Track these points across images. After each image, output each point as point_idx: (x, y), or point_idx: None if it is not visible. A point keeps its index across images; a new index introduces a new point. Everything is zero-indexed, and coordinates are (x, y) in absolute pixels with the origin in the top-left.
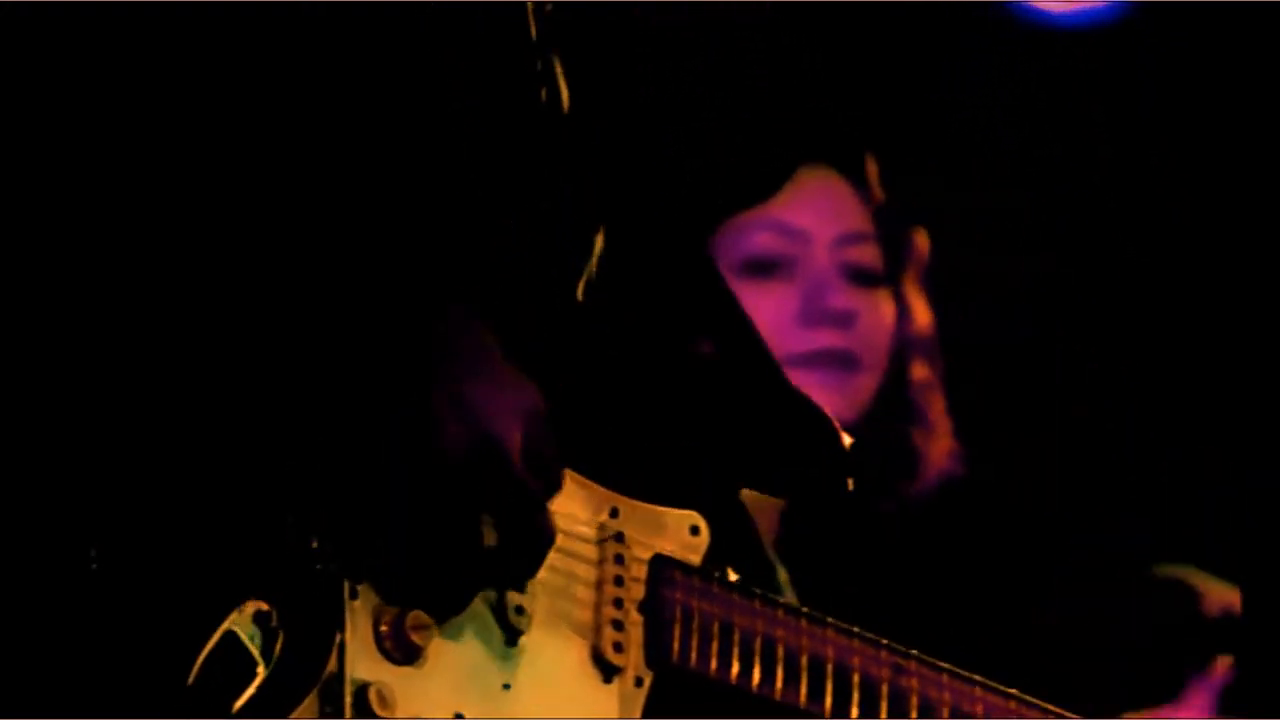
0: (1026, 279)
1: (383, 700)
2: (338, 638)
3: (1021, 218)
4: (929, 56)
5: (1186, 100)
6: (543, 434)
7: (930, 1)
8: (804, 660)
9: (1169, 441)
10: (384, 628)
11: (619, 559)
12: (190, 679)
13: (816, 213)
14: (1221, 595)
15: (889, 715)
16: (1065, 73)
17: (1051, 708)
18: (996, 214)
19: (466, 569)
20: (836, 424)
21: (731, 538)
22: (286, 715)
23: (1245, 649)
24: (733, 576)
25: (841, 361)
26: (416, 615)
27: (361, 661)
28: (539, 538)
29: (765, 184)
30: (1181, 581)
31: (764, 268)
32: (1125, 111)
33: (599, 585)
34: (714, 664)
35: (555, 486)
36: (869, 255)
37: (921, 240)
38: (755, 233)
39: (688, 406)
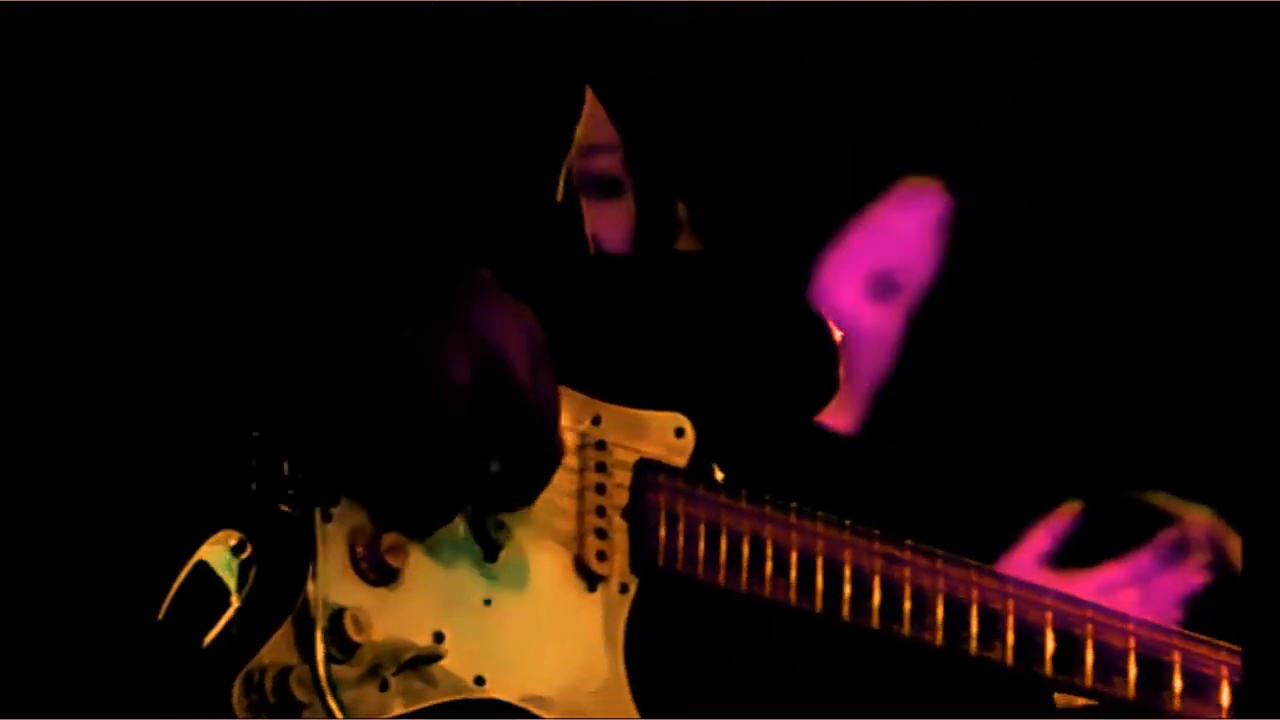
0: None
1: (358, 625)
2: (310, 566)
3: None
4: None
5: (1178, 95)
6: (544, 356)
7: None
8: (793, 556)
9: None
10: (359, 549)
11: (601, 466)
12: (161, 613)
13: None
14: (1199, 518)
15: (881, 606)
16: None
17: (1049, 589)
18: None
19: (472, 494)
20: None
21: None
22: (261, 645)
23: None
24: (719, 475)
25: None
26: (393, 536)
27: (336, 585)
28: (546, 461)
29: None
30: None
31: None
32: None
33: (581, 494)
34: (701, 567)
35: (558, 408)
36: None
37: None
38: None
39: (670, 305)
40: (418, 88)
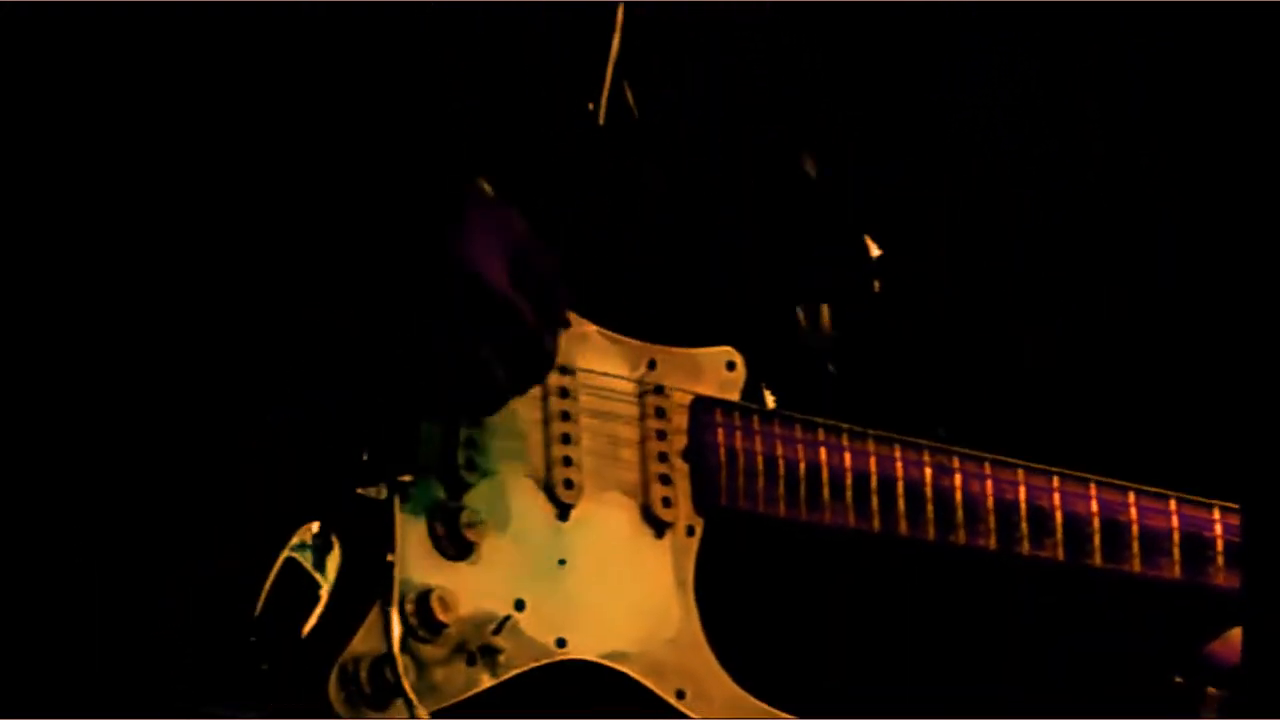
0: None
1: (444, 605)
2: (389, 556)
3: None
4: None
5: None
6: (534, 258)
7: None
8: (848, 479)
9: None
10: (439, 528)
11: (660, 412)
12: (257, 610)
13: None
14: None
15: (935, 517)
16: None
17: (1094, 478)
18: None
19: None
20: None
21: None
22: (353, 634)
23: None
24: (770, 400)
25: None
26: (469, 513)
27: (420, 566)
28: (537, 361)
29: None
30: None
31: None
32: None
33: (643, 442)
34: (762, 502)
35: (557, 305)
36: None
37: None
38: None
39: (712, 236)
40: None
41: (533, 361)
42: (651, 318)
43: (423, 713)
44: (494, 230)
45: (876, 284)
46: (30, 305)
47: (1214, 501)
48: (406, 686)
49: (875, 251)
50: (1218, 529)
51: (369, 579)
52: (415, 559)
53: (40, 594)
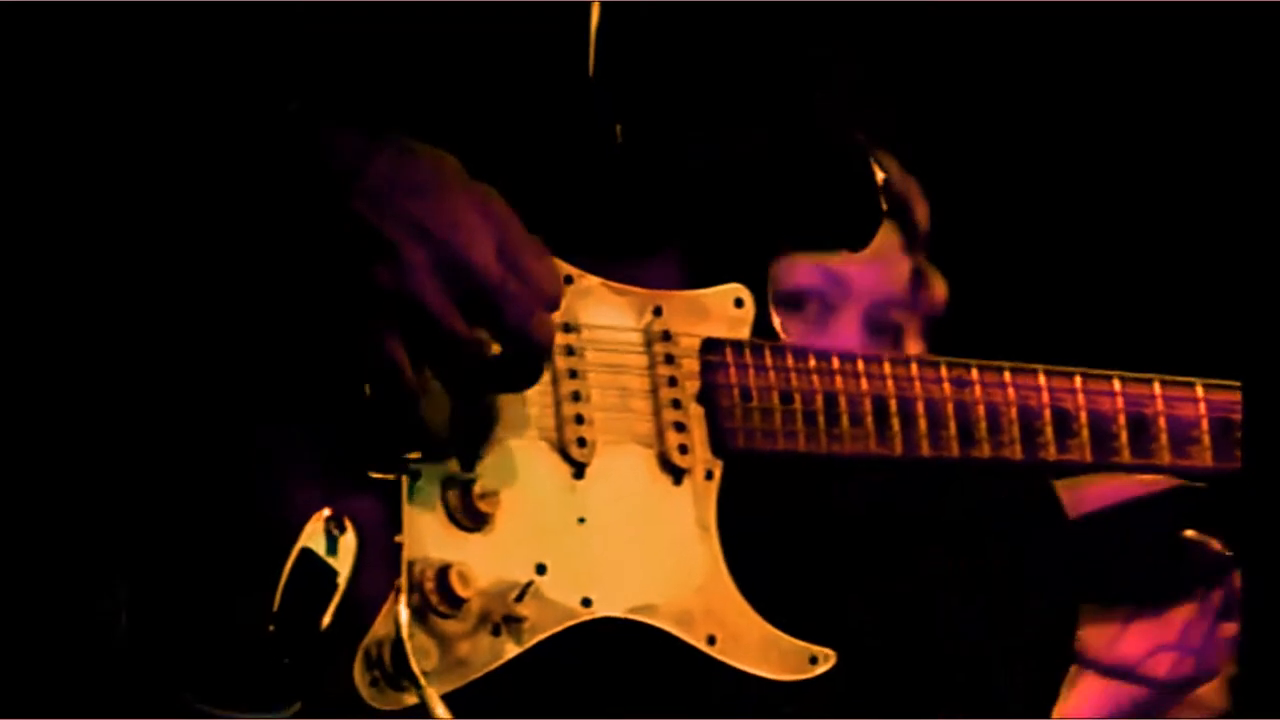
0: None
1: (463, 579)
2: (397, 538)
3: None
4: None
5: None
6: (518, 235)
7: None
8: (867, 405)
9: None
10: (453, 501)
11: (669, 358)
12: (275, 604)
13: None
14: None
15: (958, 434)
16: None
17: (1116, 373)
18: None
19: (467, 379)
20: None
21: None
22: (373, 619)
23: None
24: (783, 336)
25: None
26: (483, 483)
27: (437, 541)
28: (529, 340)
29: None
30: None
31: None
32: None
33: (654, 391)
34: (780, 438)
35: (542, 281)
36: (896, 315)
37: (922, 212)
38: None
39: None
40: None
41: (530, 347)
42: (651, 263)
43: (431, 694)
44: (478, 211)
45: (884, 204)
46: None
47: (1239, 383)
48: (415, 669)
49: (881, 175)
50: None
51: (383, 562)
52: (431, 536)
53: (53, 597)
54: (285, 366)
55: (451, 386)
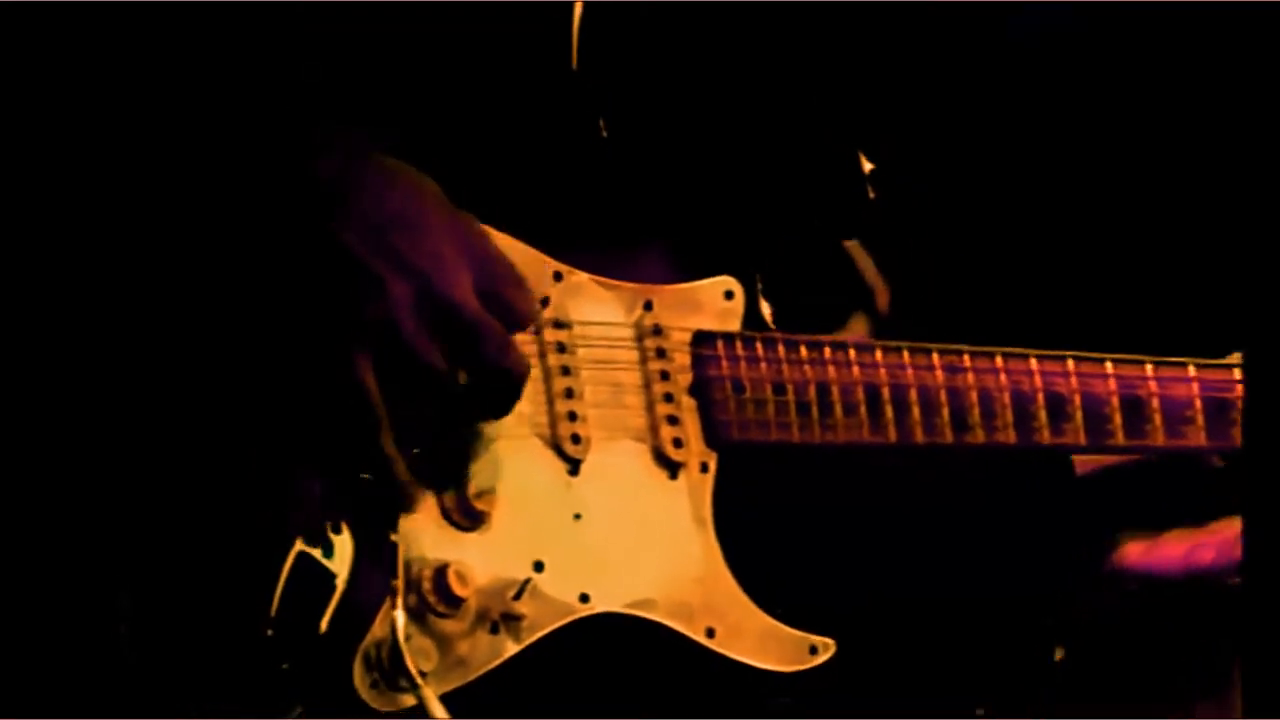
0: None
1: (461, 578)
2: (393, 536)
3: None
4: None
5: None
6: (496, 266)
7: None
8: (860, 394)
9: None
10: (449, 501)
11: (661, 353)
12: (273, 609)
13: None
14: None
15: (951, 420)
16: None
17: (1109, 356)
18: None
19: (445, 411)
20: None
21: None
22: (372, 620)
23: None
24: (767, 311)
25: None
26: (478, 482)
27: (433, 541)
28: (507, 374)
29: None
30: None
31: None
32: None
33: (646, 386)
34: (774, 429)
35: (519, 313)
36: None
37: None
38: None
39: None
40: None
41: (503, 383)
42: (641, 258)
43: (429, 694)
44: (458, 244)
45: (871, 193)
46: None
47: (1232, 362)
48: (412, 670)
49: (868, 166)
50: (1239, 388)
51: (380, 562)
52: (427, 535)
53: (52, 605)
54: (260, 381)
55: (423, 420)
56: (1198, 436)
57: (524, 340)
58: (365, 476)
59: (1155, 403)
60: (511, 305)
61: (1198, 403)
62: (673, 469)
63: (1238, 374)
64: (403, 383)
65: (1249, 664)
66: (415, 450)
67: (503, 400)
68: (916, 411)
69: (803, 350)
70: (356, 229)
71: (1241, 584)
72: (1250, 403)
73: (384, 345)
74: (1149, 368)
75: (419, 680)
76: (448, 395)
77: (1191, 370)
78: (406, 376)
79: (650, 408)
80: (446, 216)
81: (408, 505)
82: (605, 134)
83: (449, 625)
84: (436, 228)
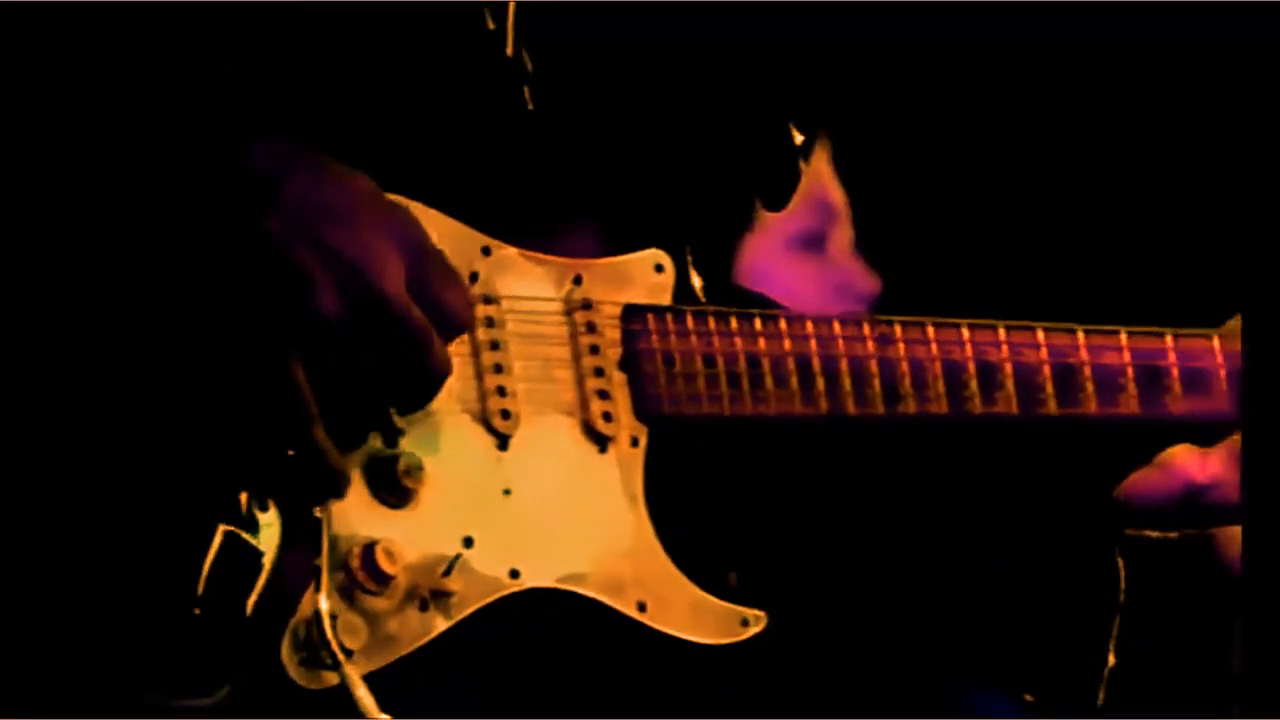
0: None
1: (390, 555)
2: (317, 512)
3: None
4: None
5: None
6: (429, 260)
7: None
8: (790, 365)
9: None
10: (377, 479)
11: (590, 327)
12: (200, 588)
13: None
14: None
15: (883, 390)
16: None
17: (1040, 324)
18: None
19: (365, 406)
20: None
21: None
22: (299, 598)
23: None
24: (698, 283)
25: None
26: (406, 459)
27: (359, 518)
28: (427, 374)
29: None
30: None
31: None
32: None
33: (576, 360)
34: (705, 402)
35: (450, 308)
36: None
37: None
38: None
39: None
40: None
41: (422, 380)
42: (570, 232)
43: (351, 672)
44: (390, 238)
45: (802, 166)
46: None
47: (1164, 329)
48: (333, 644)
49: (799, 138)
50: (1171, 356)
51: (310, 541)
52: (354, 513)
53: None
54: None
55: (348, 413)
56: (1130, 405)
57: None
58: (293, 458)
59: (1087, 371)
60: (441, 301)
61: (1129, 371)
62: (603, 443)
63: (1169, 342)
64: (330, 375)
65: (1249, 663)
66: (346, 440)
67: (421, 398)
68: (848, 382)
69: (733, 323)
70: (285, 222)
71: (1241, 582)
72: (1250, 402)
73: (311, 338)
74: (1080, 335)
75: (341, 659)
76: (372, 389)
77: (1123, 338)
78: (333, 369)
79: (580, 382)
80: (379, 209)
81: (338, 492)
82: (531, 107)
83: (378, 603)
84: (367, 220)
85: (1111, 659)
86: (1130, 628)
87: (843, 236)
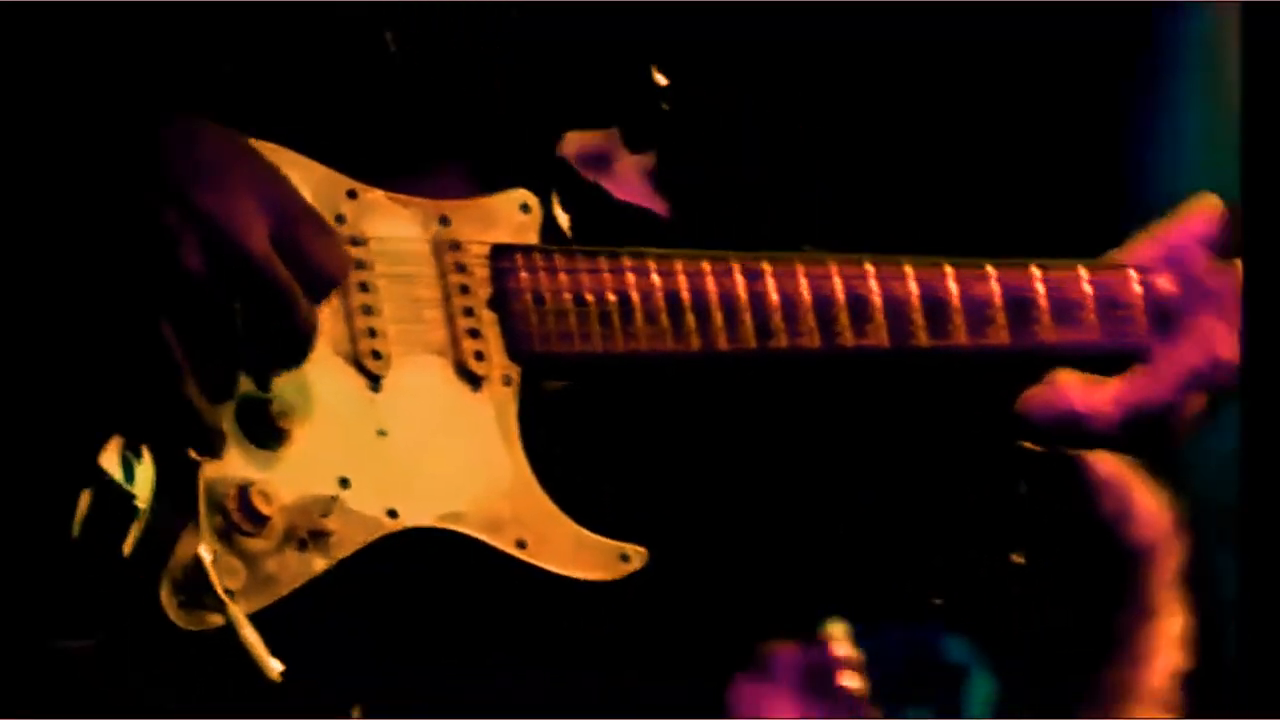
0: None
1: (266, 497)
2: (194, 456)
3: None
4: None
5: None
6: (299, 217)
7: None
8: (660, 302)
9: None
10: (250, 421)
11: (460, 267)
12: (75, 533)
13: None
14: None
15: (755, 326)
16: None
17: (907, 258)
18: None
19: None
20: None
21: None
22: (176, 541)
23: None
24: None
25: None
26: (279, 401)
27: (234, 461)
28: (292, 332)
29: None
30: None
31: None
32: None
33: (446, 300)
34: (576, 340)
35: (319, 265)
36: None
37: None
38: None
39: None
40: None
41: (289, 338)
42: (437, 173)
43: (236, 611)
44: (258, 195)
45: (665, 106)
46: None
47: (1030, 260)
48: (217, 587)
49: (662, 81)
50: (1039, 287)
51: (185, 485)
52: (229, 455)
53: None
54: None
55: (215, 370)
56: (1000, 336)
57: None
58: (164, 412)
59: (956, 303)
60: (311, 257)
61: (998, 302)
62: (475, 382)
63: (1036, 273)
64: (198, 334)
65: (1249, 662)
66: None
67: (289, 356)
68: (719, 318)
69: (601, 261)
70: (152, 183)
71: (1242, 580)
72: (1248, 402)
73: (177, 297)
74: (947, 268)
75: (226, 599)
76: (238, 347)
77: (990, 270)
78: (200, 328)
79: (450, 321)
80: (248, 167)
81: (214, 451)
82: (394, 49)
83: (256, 544)
84: (235, 179)
85: (1018, 558)
86: (1028, 535)
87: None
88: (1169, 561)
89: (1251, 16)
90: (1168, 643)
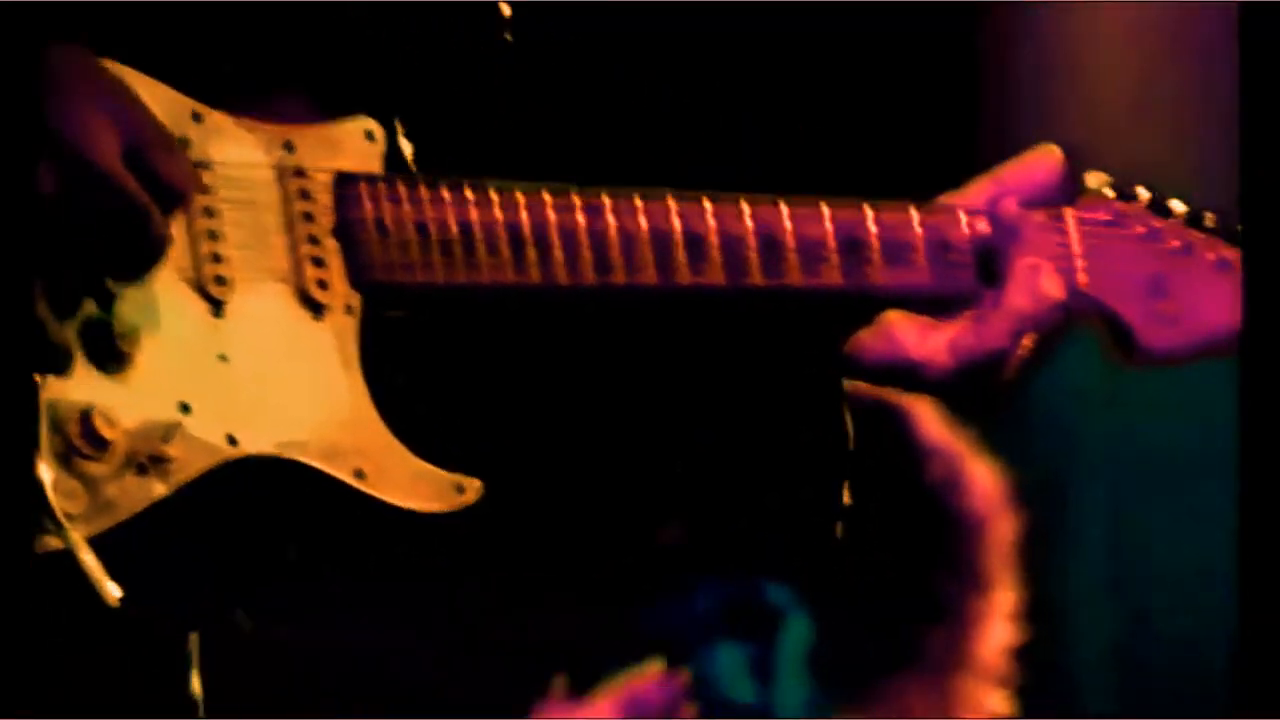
0: None
1: (107, 420)
2: (36, 379)
3: None
4: None
5: None
6: (146, 131)
7: None
8: (502, 233)
9: None
10: (92, 342)
11: (304, 194)
12: None
13: None
14: None
15: (594, 261)
16: None
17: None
18: None
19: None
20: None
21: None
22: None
23: None
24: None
25: None
26: (121, 323)
27: (75, 385)
28: (145, 245)
29: None
30: None
31: None
32: None
33: (290, 227)
34: (418, 270)
35: (168, 179)
36: None
37: None
38: None
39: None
40: None
41: (141, 251)
42: (283, 98)
43: (75, 536)
44: (104, 111)
45: (509, 37)
46: None
47: (863, 200)
48: (56, 510)
49: (507, 10)
50: (871, 227)
51: (23, 406)
52: (70, 378)
53: None
54: None
55: (64, 283)
56: (833, 276)
57: None
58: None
59: (790, 241)
60: (160, 173)
61: (831, 241)
62: (318, 310)
63: (869, 213)
64: (48, 249)
65: (1248, 662)
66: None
67: (139, 268)
68: (559, 252)
69: (444, 191)
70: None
71: (1239, 580)
72: (1247, 403)
73: (29, 211)
74: (783, 206)
75: (64, 523)
76: (89, 260)
77: (824, 209)
78: (50, 243)
79: (294, 248)
80: (94, 82)
81: (59, 368)
82: None
83: (96, 468)
84: (81, 94)
85: (846, 498)
86: (855, 481)
87: None
88: (1001, 534)
89: (1251, 16)
90: (999, 615)
